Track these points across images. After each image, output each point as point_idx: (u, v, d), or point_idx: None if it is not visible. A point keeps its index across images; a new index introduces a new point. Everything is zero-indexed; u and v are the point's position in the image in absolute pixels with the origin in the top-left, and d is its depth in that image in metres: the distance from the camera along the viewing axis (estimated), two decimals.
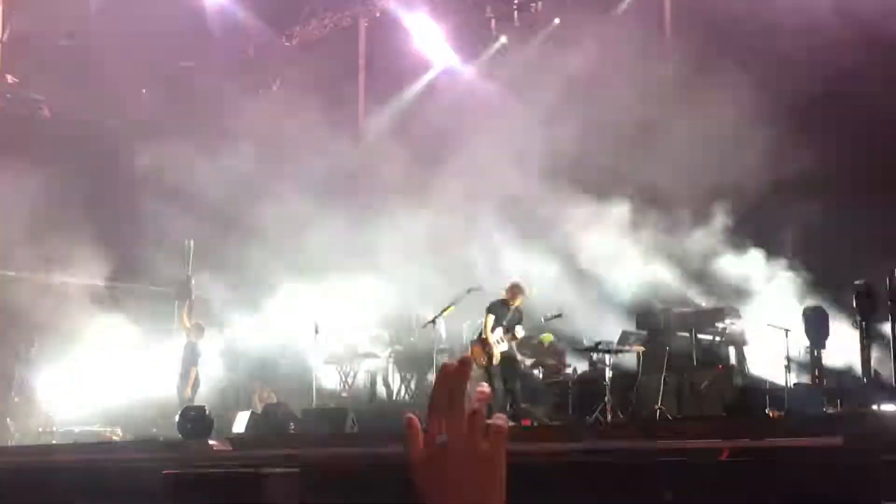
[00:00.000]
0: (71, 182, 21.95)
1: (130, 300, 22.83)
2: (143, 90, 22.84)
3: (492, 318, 14.01)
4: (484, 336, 14.03)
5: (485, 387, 2.51)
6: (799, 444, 8.31)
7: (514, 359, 13.97)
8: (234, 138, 23.07)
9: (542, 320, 13.83)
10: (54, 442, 17.66)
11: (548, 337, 14.72)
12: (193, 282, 19.04)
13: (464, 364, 2.42)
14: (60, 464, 14.47)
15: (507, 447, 2.61)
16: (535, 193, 17.98)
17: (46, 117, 21.85)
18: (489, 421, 2.45)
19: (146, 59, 22.68)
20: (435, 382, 2.47)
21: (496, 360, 13.86)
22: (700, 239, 15.83)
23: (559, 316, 14.00)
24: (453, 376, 2.44)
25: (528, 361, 15.24)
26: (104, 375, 19.78)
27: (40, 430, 18.39)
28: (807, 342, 12.87)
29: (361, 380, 19.04)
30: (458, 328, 17.15)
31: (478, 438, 2.42)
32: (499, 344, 13.90)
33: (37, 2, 21.48)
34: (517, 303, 13.88)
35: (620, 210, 16.78)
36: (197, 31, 23.02)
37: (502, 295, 14.00)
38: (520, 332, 13.75)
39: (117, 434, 18.26)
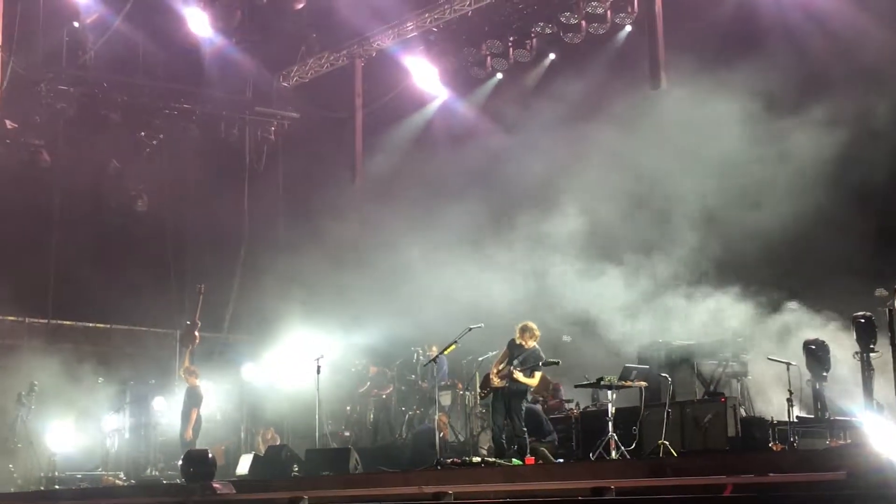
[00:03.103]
0: (71, 225, 22.09)
1: (133, 343, 22.88)
2: (142, 133, 22.91)
3: (504, 352, 14.04)
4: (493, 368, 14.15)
5: None
6: (802, 478, 8.30)
7: (517, 393, 13.91)
8: (233, 180, 23.24)
9: (540, 364, 13.80)
10: (57, 487, 17.60)
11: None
12: (200, 326, 19.02)
13: None
14: None
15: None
16: (536, 229, 18.06)
17: (46, 162, 21.91)
18: None
19: (144, 102, 22.83)
20: None
21: (496, 391, 13.91)
22: (701, 272, 15.86)
23: (556, 363, 13.98)
24: None
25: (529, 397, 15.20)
26: (106, 418, 19.75)
27: (43, 475, 18.31)
28: (808, 375, 12.87)
29: (364, 419, 19.01)
30: (459, 365, 17.15)
31: None
32: (498, 379, 13.92)
33: (36, 47, 21.61)
34: (528, 343, 13.87)
35: (623, 244, 16.84)
36: (195, 73, 23.19)
37: (516, 335, 14.02)
38: (519, 374, 13.70)
39: (120, 478, 18.20)
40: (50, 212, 22.04)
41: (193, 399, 17.40)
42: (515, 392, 13.82)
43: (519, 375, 13.67)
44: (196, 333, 18.90)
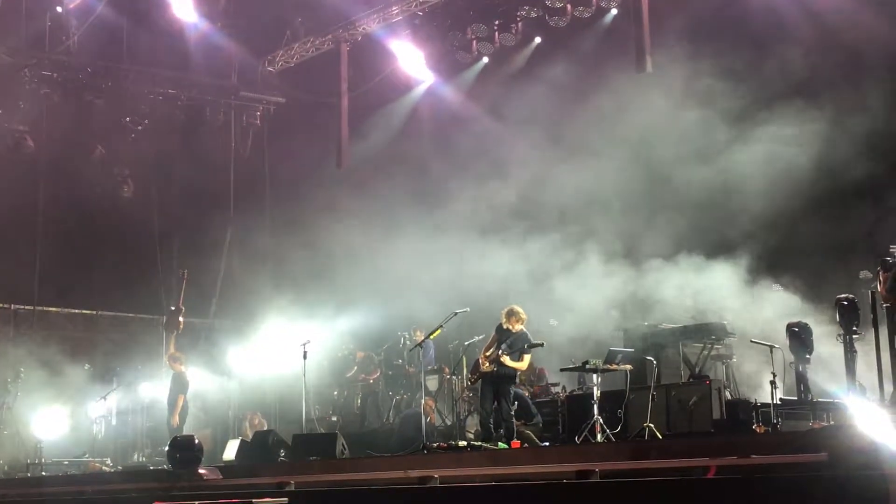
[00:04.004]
0: (56, 211, 22.02)
1: (120, 329, 22.85)
2: (127, 119, 22.81)
3: (493, 337, 14.07)
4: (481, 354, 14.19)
5: None
6: (785, 460, 8.35)
7: (506, 377, 13.94)
8: (218, 165, 23.13)
9: (525, 347, 13.83)
10: (44, 474, 17.60)
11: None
12: (183, 311, 18.99)
13: None
14: (50, 496, 14.45)
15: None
16: (522, 214, 18.09)
17: (30, 147, 21.81)
18: None
19: (129, 87, 22.72)
20: None
21: (485, 375, 13.95)
22: (686, 255, 15.90)
23: (541, 345, 14.00)
24: None
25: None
26: (93, 405, 19.73)
27: (29, 461, 18.31)
28: (792, 357, 12.93)
29: (352, 404, 19.05)
30: (446, 350, 17.19)
31: None
32: (487, 363, 13.95)
33: (20, 32, 21.49)
34: (514, 328, 13.89)
35: (607, 228, 16.87)
36: (179, 58, 23.08)
37: (502, 319, 14.04)
38: (507, 359, 13.73)
39: (107, 465, 18.21)
40: (35, 197, 21.95)
41: (180, 385, 17.39)
42: (504, 376, 13.85)
43: (507, 360, 13.71)
44: (180, 319, 18.87)
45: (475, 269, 17.49)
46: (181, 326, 18.81)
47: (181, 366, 17.59)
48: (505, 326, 13.93)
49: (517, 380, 14.39)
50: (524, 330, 13.92)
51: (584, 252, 16.57)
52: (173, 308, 19.22)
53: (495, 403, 13.87)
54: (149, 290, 22.30)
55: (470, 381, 15.01)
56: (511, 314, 13.94)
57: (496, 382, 13.87)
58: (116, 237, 22.36)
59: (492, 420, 13.84)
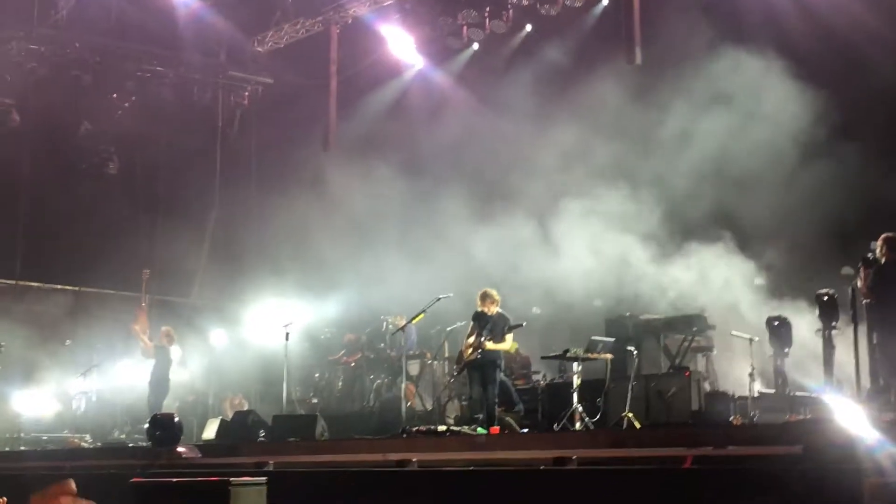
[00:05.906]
0: (40, 185, 21.92)
1: (102, 306, 22.76)
2: (114, 95, 22.68)
3: (472, 325, 14.07)
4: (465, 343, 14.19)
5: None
6: (760, 452, 8.42)
7: (489, 363, 13.95)
8: (204, 144, 23.04)
9: (506, 328, 13.86)
10: (22, 448, 17.57)
11: (513, 346, 14.77)
12: (146, 310, 18.96)
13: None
14: (28, 470, 14.42)
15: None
16: (507, 199, 18.11)
17: (16, 122, 21.67)
18: None
19: (117, 63, 22.58)
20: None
21: (471, 363, 13.96)
22: (668, 245, 15.96)
23: (521, 325, 14.02)
24: None
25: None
26: (73, 381, 19.69)
27: (8, 436, 18.28)
28: (771, 351, 13.03)
29: (333, 386, 19.05)
30: (428, 335, 17.21)
31: None
32: (470, 351, 13.96)
33: (7, 4, 21.32)
34: (490, 310, 13.89)
35: (590, 216, 16.90)
36: (168, 35, 22.94)
37: (477, 304, 14.03)
38: (490, 344, 13.73)
39: (86, 441, 18.19)
40: (19, 172, 21.84)
41: (163, 363, 17.40)
42: (488, 362, 13.83)
43: (490, 344, 13.70)
44: (145, 319, 18.79)
45: (461, 253, 17.49)
46: (147, 327, 18.64)
47: (168, 342, 17.59)
48: (480, 310, 13.92)
49: (502, 365, 14.38)
50: (500, 311, 13.93)
51: (570, 239, 16.59)
52: (138, 307, 19.12)
53: (483, 389, 13.87)
54: (131, 267, 22.18)
55: (456, 371, 14.98)
56: (485, 297, 13.93)
57: (481, 368, 13.87)
58: (100, 214, 22.25)
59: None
